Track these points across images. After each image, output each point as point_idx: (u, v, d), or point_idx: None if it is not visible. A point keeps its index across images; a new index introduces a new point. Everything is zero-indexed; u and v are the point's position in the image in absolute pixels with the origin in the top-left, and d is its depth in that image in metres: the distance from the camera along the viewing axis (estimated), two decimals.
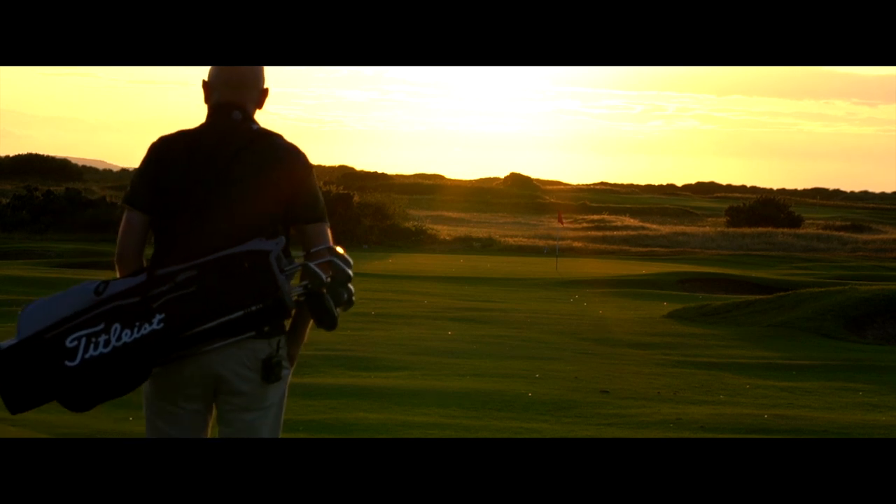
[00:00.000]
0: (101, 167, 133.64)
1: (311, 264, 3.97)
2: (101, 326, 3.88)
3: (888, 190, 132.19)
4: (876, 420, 10.73)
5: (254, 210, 4.01)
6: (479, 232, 55.25)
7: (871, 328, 19.41)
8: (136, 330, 3.86)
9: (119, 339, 3.86)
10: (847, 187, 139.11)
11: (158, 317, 3.86)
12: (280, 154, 4.07)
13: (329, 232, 4.12)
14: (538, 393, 11.63)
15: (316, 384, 11.49)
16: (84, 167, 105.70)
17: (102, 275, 27.98)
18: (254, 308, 3.87)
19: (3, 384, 3.90)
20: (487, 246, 49.34)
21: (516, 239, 52.41)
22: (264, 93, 4.19)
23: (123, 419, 9.43)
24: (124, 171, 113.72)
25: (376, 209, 50.70)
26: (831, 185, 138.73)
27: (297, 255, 4.06)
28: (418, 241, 49.64)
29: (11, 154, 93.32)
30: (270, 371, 4.00)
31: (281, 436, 4.33)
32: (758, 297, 23.12)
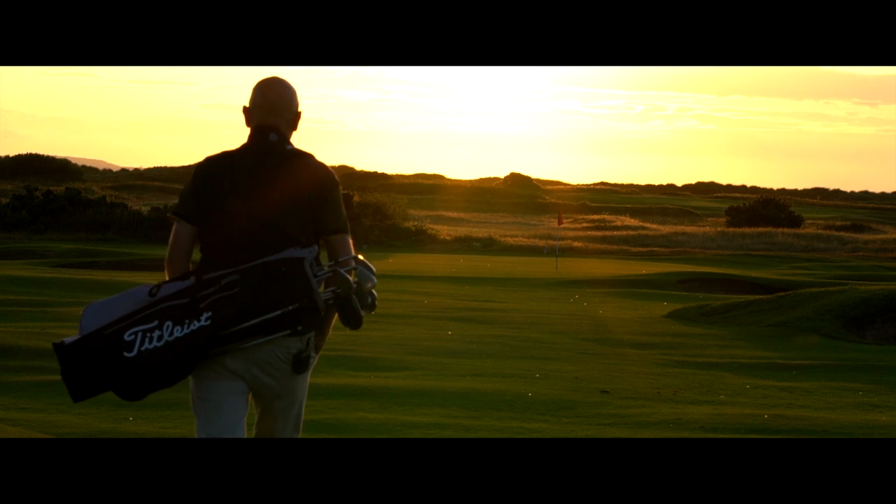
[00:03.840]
0: (101, 167, 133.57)
1: (341, 271, 4.44)
2: (155, 323, 4.32)
3: (888, 190, 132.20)
4: (876, 420, 10.73)
5: (288, 221, 4.48)
6: (479, 232, 55.26)
7: (870, 328, 19.40)
8: (185, 326, 4.31)
9: (171, 334, 4.30)
10: (847, 187, 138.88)
11: (206, 315, 4.31)
12: (310, 172, 4.54)
13: (351, 242, 4.58)
14: (538, 393, 11.63)
15: (316, 384, 11.46)
16: (84, 167, 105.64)
17: (102, 274, 27.62)
18: (290, 308, 4.36)
19: (67, 375, 4.33)
20: (487, 246, 49.35)
21: (516, 239, 52.42)
22: (297, 116, 4.64)
23: (123, 419, 9.43)
24: (124, 171, 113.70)
25: (376, 209, 50.71)
26: (831, 185, 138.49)
27: (325, 264, 4.52)
28: (418, 241, 49.64)
29: (11, 154, 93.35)
30: (300, 364, 4.46)
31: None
32: (758, 297, 23.12)
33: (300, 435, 4.66)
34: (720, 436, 9.52)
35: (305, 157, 4.56)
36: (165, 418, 9.54)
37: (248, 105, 4.63)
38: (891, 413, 11.32)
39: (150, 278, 26.80)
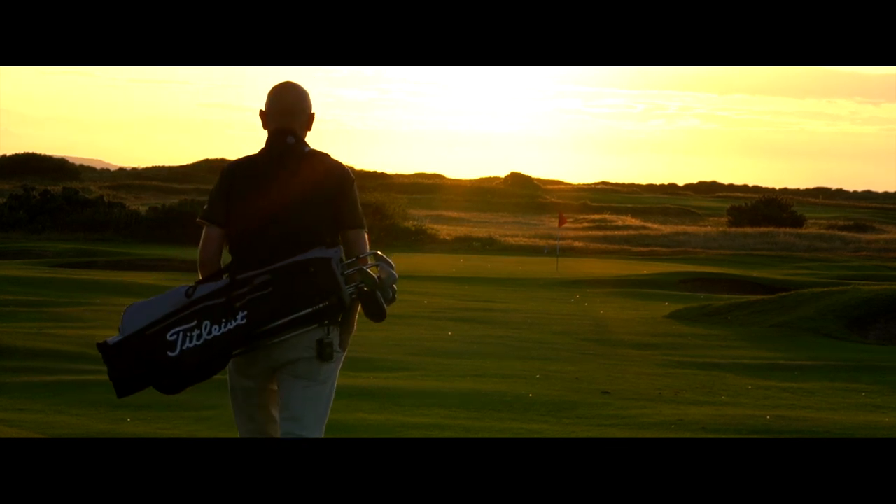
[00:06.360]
0: (98, 167, 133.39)
1: (366, 268, 4.75)
2: (194, 323, 4.59)
3: (891, 189, 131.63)
4: (879, 421, 10.70)
5: (310, 219, 4.76)
6: (480, 232, 55.25)
7: (873, 328, 19.36)
8: (223, 325, 4.59)
9: (210, 333, 4.58)
10: (850, 187, 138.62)
11: (242, 314, 4.60)
12: (328, 170, 4.82)
13: (366, 237, 4.88)
14: (539, 394, 11.61)
15: None
16: (82, 166, 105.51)
17: (100, 274, 27.59)
18: (321, 305, 4.65)
19: (112, 373, 4.57)
20: (488, 246, 49.36)
21: (516, 239, 52.41)
22: (311, 117, 4.91)
23: (121, 420, 9.41)
24: (122, 170, 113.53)
25: (376, 209, 50.66)
26: (834, 185, 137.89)
27: (346, 262, 4.80)
28: (418, 240, 49.63)
29: (9, 153, 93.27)
30: (323, 350, 4.76)
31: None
32: (760, 297, 23.08)
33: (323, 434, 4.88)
34: (722, 436, 9.49)
35: (322, 157, 4.83)
36: (163, 419, 9.52)
37: (263, 109, 4.87)
38: (893, 414, 11.29)
39: (148, 278, 26.78)
